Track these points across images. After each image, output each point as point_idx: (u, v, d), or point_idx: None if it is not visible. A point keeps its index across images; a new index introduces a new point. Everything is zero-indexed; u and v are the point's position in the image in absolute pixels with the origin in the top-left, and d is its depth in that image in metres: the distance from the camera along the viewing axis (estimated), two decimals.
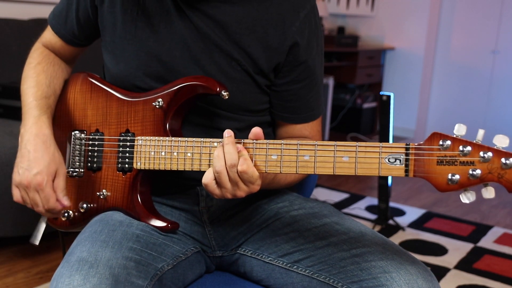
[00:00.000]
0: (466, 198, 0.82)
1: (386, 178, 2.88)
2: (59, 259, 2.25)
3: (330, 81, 4.44)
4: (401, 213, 3.22)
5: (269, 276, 1.10)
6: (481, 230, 3.03)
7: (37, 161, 1.06)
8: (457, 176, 0.81)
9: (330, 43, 4.80)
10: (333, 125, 4.98)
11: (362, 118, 4.92)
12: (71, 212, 1.15)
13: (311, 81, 1.15)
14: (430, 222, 3.10)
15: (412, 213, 3.24)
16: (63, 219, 1.15)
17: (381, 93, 2.84)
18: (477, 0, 4.87)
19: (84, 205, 1.13)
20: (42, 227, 1.19)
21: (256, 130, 0.95)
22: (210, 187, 0.95)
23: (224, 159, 0.92)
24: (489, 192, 0.80)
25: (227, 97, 1.04)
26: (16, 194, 1.10)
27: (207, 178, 0.95)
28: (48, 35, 1.25)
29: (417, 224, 3.05)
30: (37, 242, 1.20)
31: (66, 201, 1.09)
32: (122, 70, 1.12)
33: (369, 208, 3.26)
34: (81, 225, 1.13)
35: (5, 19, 2.65)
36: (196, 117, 1.12)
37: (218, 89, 1.04)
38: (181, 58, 1.09)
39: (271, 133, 1.22)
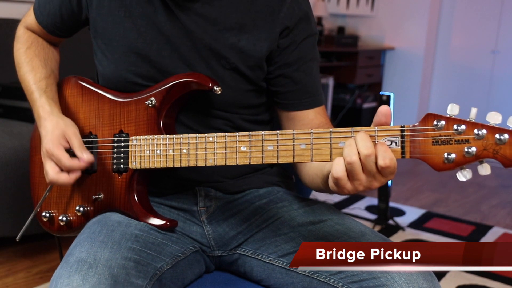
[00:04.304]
0: (463, 176, 0.82)
1: None
2: (59, 259, 2.25)
3: (330, 81, 4.44)
4: (401, 213, 3.22)
5: (269, 276, 1.10)
6: (481, 230, 3.03)
7: (44, 135, 1.09)
8: (453, 155, 0.81)
9: (330, 43, 4.80)
10: (333, 125, 4.97)
11: (362, 118, 4.92)
12: (68, 216, 1.15)
13: (305, 63, 1.14)
14: (430, 222, 3.10)
15: (412, 213, 3.24)
16: (61, 223, 1.15)
17: (381, 93, 2.84)
18: (477, 0, 4.86)
19: (81, 209, 1.12)
20: (27, 224, 1.18)
21: (383, 108, 0.85)
22: (342, 181, 0.85)
23: (356, 148, 0.84)
24: (484, 169, 0.81)
25: (219, 92, 1.04)
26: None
27: (340, 171, 0.84)
28: (31, 21, 1.25)
29: (417, 224, 3.05)
30: (17, 238, 1.21)
31: (86, 155, 1.06)
32: (113, 71, 1.13)
33: (369, 208, 3.26)
34: (79, 229, 1.12)
35: (5, 19, 2.65)
36: (188, 118, 1.12)
37: (210, 85, 1.04)
38: (170, 58, 1.10)
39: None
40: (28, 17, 1.26)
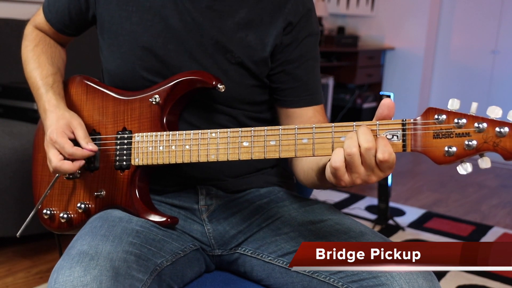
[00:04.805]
0: (463, 169, 0.83)
1: (386, 178, 2.88)
2: (59, 259, 2.25)
3: (330, 81, 4.44)
4: (401, 213, 3.22)
5: (269, 276, 1.10)
6: (481, 230, 3.03)
7: (48, 125, 1.10)
8: (453, 148, 0.82)
9: (330, 43, 4.81)
10: None
11: (362, 118, 4.92)
12: (69, 213, 1.15)
13: (306, 61, 1.15)
14: (430, 222, 3.10)
15: (412, 213, 3.24)
16: (62, 220, 1.15)
17: (381, 93, 2.84)
18: (477, 0, 4.87)
19: (82, 206, 1.13)
20: (28, 220, 1.18)
21: (387, 101, 0.86)
22: (340, 172, 0.85)
23: (357, 141, 0.83)
24: (485, 162, 0.81)
25: (223, 90, 1.05)
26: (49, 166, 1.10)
27: (339, 161, 0.84)
28: (40, 20, 1.26)
29: (417, 224, 3.05)
30: (17, 234, 1.20)
31: (91, 145, 1.07)
32: (120, 66, 1.13)
33: (369, 208, 3.26)
34: (79, 227, 1.13)
35: (5, 19, 2.65)
36: (192, 114, 1.13)
37: (214, 83, 1.05)
38: (176, 51, 1.10)
39: None
40: (37, 16, 1.27)
